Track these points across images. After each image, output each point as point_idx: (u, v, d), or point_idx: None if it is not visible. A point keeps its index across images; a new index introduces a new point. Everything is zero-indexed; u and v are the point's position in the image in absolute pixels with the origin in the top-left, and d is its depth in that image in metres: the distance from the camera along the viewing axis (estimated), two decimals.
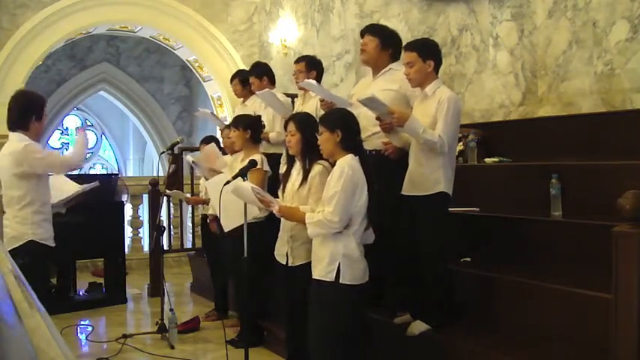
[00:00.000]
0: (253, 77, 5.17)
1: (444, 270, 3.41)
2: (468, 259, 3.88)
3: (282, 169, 4.01)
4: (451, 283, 3.46)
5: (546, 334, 3.07)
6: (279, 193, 3.51)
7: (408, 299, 3.63)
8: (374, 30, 3.83)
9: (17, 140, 3.58)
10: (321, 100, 4.00)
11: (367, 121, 3.57)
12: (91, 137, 15.08)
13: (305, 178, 3.32)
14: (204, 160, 4.81)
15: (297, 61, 4.92)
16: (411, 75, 3.39)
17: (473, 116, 5.29)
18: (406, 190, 3.44)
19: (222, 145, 5.40)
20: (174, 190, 5.43)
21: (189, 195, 6.08)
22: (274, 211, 3.25)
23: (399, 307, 3.68)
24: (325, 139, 3.05)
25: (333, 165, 3.10)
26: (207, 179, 4.60)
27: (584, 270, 3.24)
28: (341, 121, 3.09)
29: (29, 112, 3.67)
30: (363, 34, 3.86)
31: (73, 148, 3.98)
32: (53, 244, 3.70)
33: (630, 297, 2.38)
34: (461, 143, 4.67)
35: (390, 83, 3.69)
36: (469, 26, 5.37)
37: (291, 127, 3.37)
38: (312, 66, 4.73)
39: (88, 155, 15.36)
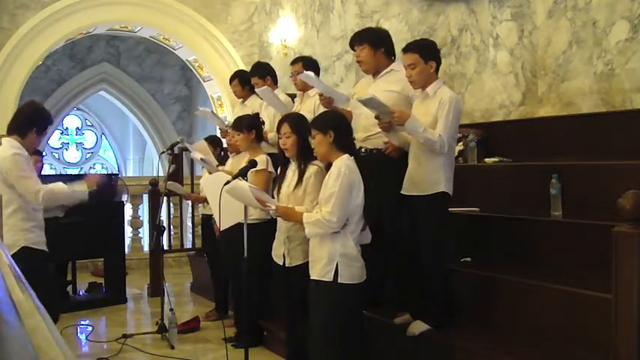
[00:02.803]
0: (256, 78, 5.14)
1: (444, 270, 3.41)
2: (468, 259, 3.88)
3: None
4: (451, 283, 3.46)
5: (546, 334, 3.07)
6: (275, 194, 3.52)
7: (408, 299, 3.64)
8: (360, 38, 3.82)
9: (9, 146, 3.60)
10: (320, 95, 4.01)
11: (368, 120, 3.57)
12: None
13: (300, 179, 3.33)
14: (197, 150, 4.87)
15: (293, 62, 4.93)
16: (414, 77, 3.38)
17: (473, 116, 5.29)
18: (406, 189, 3.44)
19: (224, 145, 5.41)
20: (174, 183, 5.39)
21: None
22: (271, 212, 3.25)
23: (399, 307, 3.68)
24: (319, 142, 3.06)
25: (327, 167, 3.10)
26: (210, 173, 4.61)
27: (584, 270, 3.24)
28: (332, 121, 3.10)
29: (33, 122, 3.67)
30: (352, 46, 3.87)
31: (62, 189, 3.67)
32: (46, 250, 3.70)
33: (630, 297, 2.38)
34: (461, 143, 4.67)
35: (392, 84, 3.69)
36: (469, 26, 5.37)
37: (286, 128, 3.38)
38: (309, 66, 4.73)
39: (88, 155, 15.37)
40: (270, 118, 4.88)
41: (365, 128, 3.70)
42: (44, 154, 5.94)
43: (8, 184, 3.55)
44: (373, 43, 3.75)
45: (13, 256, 3.36)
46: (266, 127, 4.70)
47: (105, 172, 14.18)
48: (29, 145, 3.68)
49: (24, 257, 3.37)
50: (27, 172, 3.62)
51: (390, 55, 3.81)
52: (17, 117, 3.73)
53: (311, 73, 4.07)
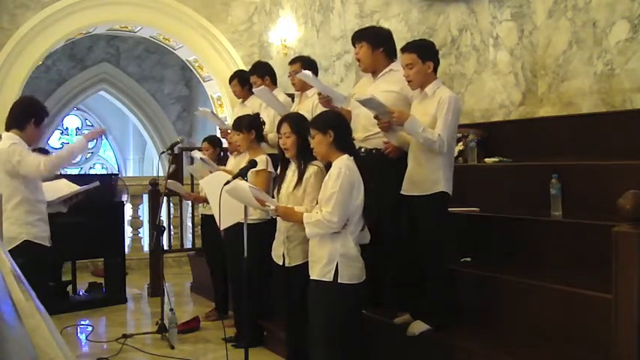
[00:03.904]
0: (255, 77, 5.14)
1: (444, 270, 3.41)
2: (468, 259, 3.88)
3: None
4: (451, 283, 3.46)
5: (546, 334, 3.07)
6: (275, 194, 3.52)
7: (408, 299, 3.64)
8: (360, 36, 3.83)
9: (7, 139, 3.65)
10: (319, 94, 4.01)
11: (368, 120, 3.57)
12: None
13: (300, 179, 3.33)
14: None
15: (291, 62, 4.93)
16: (411, 77, 3.38)
17: (473, 116, 5.29)
18: (406, 189, 3.44)
19: (224, 146, 5.40)
20: (174, 181, 5.39)
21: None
22: (271, 212, 3.25)
23: (399, 307, 3.68)
24: (318, 142, 3.06)
25: (327, 167, 3.10)
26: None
27: (584, 270, 3.24)
28: (332, 121, 3.10)
29: (30, 114, 3.71)
30: (353, 44, 3.88)
31: (59, 152, 3.96)
32: (49, 244, 3.71)
33: (630, 297, 2.38)
34: (461, 143, 4.67)
35: (391, 84, 3.69)
36: (469, 26, 5.37)
37: (286, 128, 3.37)
38: (307, 66, 4.72)
39: (88, 155, 15.35)
40: (270, 118, 4.87)
41: (364, 128, 3.70)
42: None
43: (12, 175, 3.58)
44: (371, 42, 3.76)
45: (14, 249, 3.43)
46: (266, 128, 4.70)
47: (105, 172, 14.18)
48: (29, 137, 3.71)
49: (24, 251, 3.41)
50: (25, 152, 3.67)
51: (390, 55, 3.81)
52: (14, 111, 3.78)
53: (308, 72, 4.07)
